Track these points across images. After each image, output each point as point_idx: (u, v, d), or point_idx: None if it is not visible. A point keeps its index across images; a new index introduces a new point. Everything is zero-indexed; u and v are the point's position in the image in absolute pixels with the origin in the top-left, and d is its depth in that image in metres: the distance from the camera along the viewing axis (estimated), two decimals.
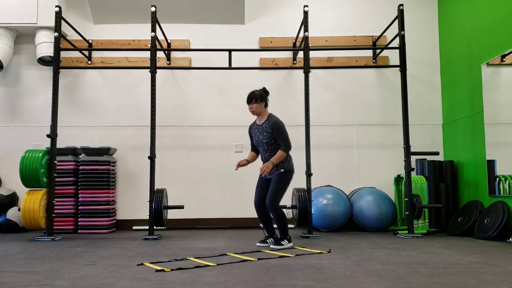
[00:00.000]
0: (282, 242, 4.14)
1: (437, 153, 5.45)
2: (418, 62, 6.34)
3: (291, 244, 4.17)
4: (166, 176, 5.99)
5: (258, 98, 4.26)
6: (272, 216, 4.22)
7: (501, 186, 4.93)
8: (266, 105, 4.37)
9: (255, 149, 4.48)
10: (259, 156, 4.46)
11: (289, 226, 5.88)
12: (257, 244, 4.23)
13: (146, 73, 5.61)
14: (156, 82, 5.19)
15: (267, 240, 4.26)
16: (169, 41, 6.18)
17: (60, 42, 5.25)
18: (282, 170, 4.20)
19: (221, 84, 6.28)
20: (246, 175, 6.13)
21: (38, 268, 3.15)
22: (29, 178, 4.95)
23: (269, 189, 4.19)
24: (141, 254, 3.81)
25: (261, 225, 4.45)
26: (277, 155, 4.18)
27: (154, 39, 5.21)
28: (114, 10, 6.20)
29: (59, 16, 5.20)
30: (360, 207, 5.54)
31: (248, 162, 4.40)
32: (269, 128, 4.23)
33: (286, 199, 5.75)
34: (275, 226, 4.29)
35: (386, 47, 5.97)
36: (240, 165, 4.34)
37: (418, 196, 5.05)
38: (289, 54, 6.34)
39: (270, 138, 4.23)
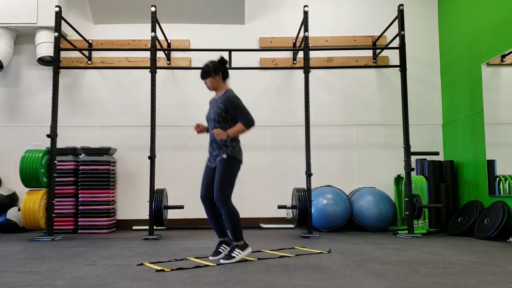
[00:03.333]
0: (233, 253, 3.44)
1: (437, 153, 5.45)
2: (418, 62, 6.34)
3: (247, 252, 3.49)
4: (166, 176, 5.99)
5: (212, 71, 3.64)
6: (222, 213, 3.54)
7: (501, 186, 4.93)
8: (224, 78, 3.72)
9: None
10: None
11: (289, 226, 5.96)
12: (210, 257, 3.55)
13: (146, 73, 5.61)
14: (156, 82, 5.19)
15: (220, 249, 3.60)
16: (169, 41, 6.18)
17: (60, 42, 5.25)
18: (224, 156, 3.52)
19: None
20: (246, 175, 6.14)
21: (38, 268, 3.15)
22: (29, 178, 4.96)
23: (215, 179, 3.54)
24: (141, 254, 3.81)
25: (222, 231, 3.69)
26: (235, 127, 3.54)
27: (154, 39, 5.21)
28: (114, 10, 6.20)
29: (59, 16, 5.20)
30: (360, 207, 5.54)
31: (207, 131, 3.78)
32: (221, 104, 3.59)
33: (286, 199, 5.81)
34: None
35: (386, 47, 5.97)
36: (201, 129, 3.74)
37: (418, 196, 5.05)
38: (289, 54, 6.34)
39: (218, 115, 3.59)
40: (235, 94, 3.65)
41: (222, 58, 3.70)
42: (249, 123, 3.55)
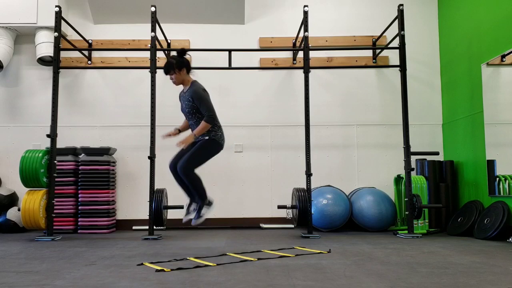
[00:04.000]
0: (201, 212, 3.99)
1: (437, 153, 5.45)
2: (418, 62, 6.34)
3: (211, 206, 4.05)
4: (166, 176, 5.95)
5: (175, 67, 3.93)
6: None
7: (501, 186, 4.93)
8: (188, 71, 4.03)
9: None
10: None
11: (289, 226, 5.96)
12: (183, 219, 4.12)
13: (146, 73, 5.61)
14: (156, 82, 5.19)
15: (190, 208, 4.10)
16: (169, 41, 6.18)
17: (60, 42, 5.25)
18: (206, 138, 3.93)
19: (221, 84, 6.28)
20: (246, 175, 6.14)
21: (38, 268, 3.15)
22: (29, 178, 4.95)
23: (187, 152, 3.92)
24: (141, 254, 3.80)
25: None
26: (199, 126, 3.90)
27: (154, 39, 5.21)
28: (114, 10, 6.20)
29: (59, 16, 5.20)
30: (360, 207, 5.54)
31: (179, 131, 4.25)
32: (190, 97, 3.95)
33: (286, 199, 5.81)
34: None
35: (386, 47, 5.97)
36: (170, 134, 4.18)
37: (418, 196, 5.05)
38: (289, 54, 6.34)
39: (191, 108, 3.96)
40: (202, 86, 3.92)
41: (181, 50, 3.92)
42: (211, 119, 3.86)
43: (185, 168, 3.79)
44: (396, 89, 5.99)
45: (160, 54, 6.19)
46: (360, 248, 4.06)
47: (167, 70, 3.89)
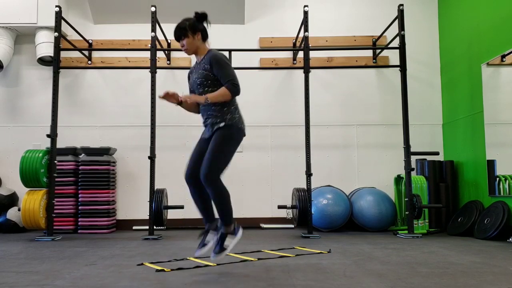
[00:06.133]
0: (224, 244, 2.87)
1: (437, 153, 5.45)
2: (418, 62, 6.34)
3: (239, 236, 2.96)
4: (166, 176, 5.98)
5: (188, 30, 3.05)
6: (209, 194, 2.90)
7: (501, 186, 4.93)
8: (204, 38, 3.11)
9: None
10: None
11: (289, 226, 5.96)
12: (196, 253, 2.98)
13: (146, 73, 5.61)
14: (156, 82, 5.19)
15: (206, 239, 2.99)
16: (169, 41, 6.18)
17: (60, 42, 5.25)
18: (222, 124, 2.92)
19: None
20: (246, 175, 6.14)
21: (38, 268, 3.15)
22: (29, 178, 4.96)
23: (206, 152, 2.87)
24: (141, 254, 3.81)
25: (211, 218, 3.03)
26: (217, 92, 2.93)
27: (154, 39, 5.21)
28: (114, 10, 6.20)
29: (59, 16, 5.20)
30: (360, 207, 5.54)
31: (181, 103, 3.03)
32: (206, 64, 3.01)
33: (286, 199, 5.81)
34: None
35: (386, 47, 5.98)
36: (169, 94, 2.96)
37: (418, 196, 5.05)
38: (289, 54, 6.34)
39: (205, 78, 2.98)
40: (222, 54, 3.03)
41: (202, 13, 3.08)
42: (235, 87, 2.93)
43: (212, 174, 2.77)
44: (396, 89, 5.99)
45: (160, 54, 6.19)
46: (360, 248, 4.06)
47: (179, 33, 3.02)
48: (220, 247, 2.85)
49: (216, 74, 2.93)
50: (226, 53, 5.50)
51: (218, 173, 2.80)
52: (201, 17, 3.06)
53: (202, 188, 2.91)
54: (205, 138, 3.01)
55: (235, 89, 2.93)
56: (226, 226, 2.91)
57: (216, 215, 3.00)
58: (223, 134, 2.88)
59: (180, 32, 3.03)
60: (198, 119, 6.34)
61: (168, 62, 6.28)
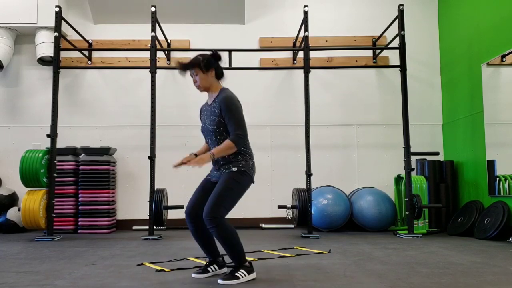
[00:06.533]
0: (237, 273, 2.69)
1: (437, 153, 5.45)
2: (418, 62, 6.34)
3: (252, 276, 2.75)
4: (166, 176, 5.98)
5: (202, 65, 2.82)
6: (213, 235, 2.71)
7: (501, 186, 4.93)
8: (219, 76, 2.92)
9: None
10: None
11: (289, 226, 5.96)
12: (193, 275, 2.85)
13: (146, 73, 5.61)
14: (156, 82, 5.19)
15: (209, 268, 2.87)
16: (169, 41, 6.18)
17: (60, 42, 5.25)
18: (234, 169, 2.78)
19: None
20: None
21: (38, 268, 3.15)
22: (29, 178, 4.96)
23: (212, 192, 2.74)
24: (141, 254, 3.81)
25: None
26: (221, 145, 2.75)
27: (154, 39, 5.21)
28: (114, 10, 6.20)
29: (59, 16, 5.20)
30: (360, 207, 5.54)
31: (196, 156, 2.82)
32: (217, 108, 2.82)
33: (286, 199, 5.81)
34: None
35: (386, 47, 5.98)
36: (183, 162, 2.75)
37: (418, 196, 5.05)
38: (289, 54, 6.34)
39: (218, 124, 2.81)
40: (234, 95, 2.86)
41: (215, 53, 2.86)
42: (240, 139, 2.75)
43: (214, 217, 2.61)
44: (396, 89, 5.99)
45: (160, 54, 6.19)
46: (360, 248, 4.06)
47: (189, 66, 2.84)
48: (231, 275, 2.69)
49: (224, 119, 2.80)
50: (226, 53, 5.50)
51: (223, 213, 2.67)
52: (217, 56, 2.87)
53: (202, 226, 2.81)
54: (211, 180, 2.91)
55: (240, 141, 2.76)
56: (240, 263, 2.74)
57: (222, 251, 2.90)
58: (234, 178, 2.76)
59: (191, 65, 2.85)
60: (197, 120, 6.35)
61: (168, 62, 6.28)
